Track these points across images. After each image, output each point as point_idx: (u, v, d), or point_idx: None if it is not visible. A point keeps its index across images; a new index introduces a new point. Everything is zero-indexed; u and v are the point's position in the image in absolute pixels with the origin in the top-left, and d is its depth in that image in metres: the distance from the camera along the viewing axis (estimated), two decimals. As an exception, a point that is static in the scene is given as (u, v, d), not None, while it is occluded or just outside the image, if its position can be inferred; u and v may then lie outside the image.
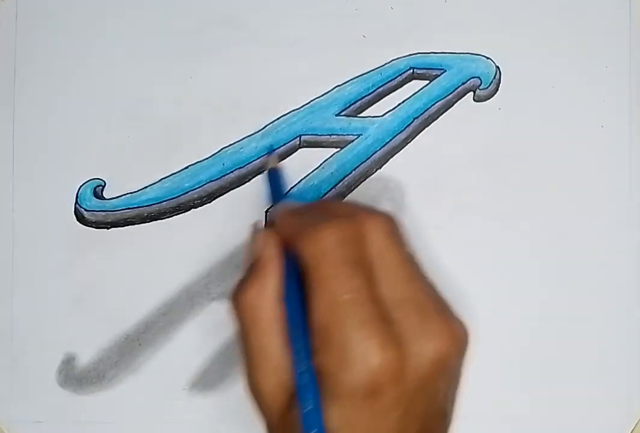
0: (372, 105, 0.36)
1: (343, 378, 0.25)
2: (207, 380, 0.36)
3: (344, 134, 0.36)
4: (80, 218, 0.36)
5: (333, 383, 0.26)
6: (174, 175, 0.36)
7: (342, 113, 0.36)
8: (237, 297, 0.28)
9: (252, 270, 0.29)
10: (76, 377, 0.36)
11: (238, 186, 0.36)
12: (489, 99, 0.36)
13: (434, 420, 0.27)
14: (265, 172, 0.35)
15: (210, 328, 0.36)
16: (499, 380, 0.35)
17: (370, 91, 0.36)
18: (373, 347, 0.25)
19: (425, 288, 0.28)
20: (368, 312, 0.26)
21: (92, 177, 0.36)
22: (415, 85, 0.36)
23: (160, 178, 0.36)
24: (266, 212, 0.36)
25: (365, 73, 0.36)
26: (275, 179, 0.34)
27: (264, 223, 0.33)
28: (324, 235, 0.27)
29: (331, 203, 0.31)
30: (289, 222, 0.29)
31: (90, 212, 0.36)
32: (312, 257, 0.27)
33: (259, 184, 0.36)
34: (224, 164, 0.36)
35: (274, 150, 0.36)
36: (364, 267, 0.27)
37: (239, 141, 0.36)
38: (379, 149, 0.36)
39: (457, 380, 0.28)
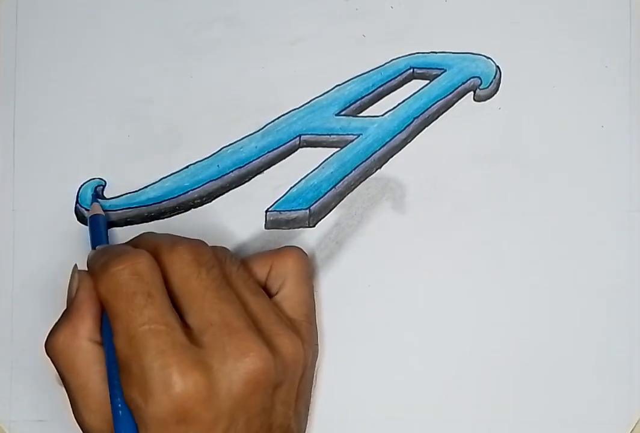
0: (372, 104, 0.36)
1: (149, 409, 0.26)
2: (207, 379, 0.36)
3: (344, 133, 0.36)
4: (81, 218, 0.36)
5: (142, 416, 0.27)
6: (174, 174, 0.36)
7: (342, 113, 0.36)
8: (51, 341, 0.29)
9: (65, 313, 0.30)
10: (76, 376, 0.36)
11: (238, 186, 0.36)
12: (489, 98, 0.36)
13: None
14: (88, 218, 0.35)
15: (210, 327, 0.36)
16: (499, 380, 0.35)
17: (370, 91, 0.36)
18: (173, 375, 0.26)
19: (235, 311, 0.28)
20: (167, 341, 0.27)
21: (92, 177, 0.36)
22: (416, 84, 0.36)
23: (160, 178, 0.36)
24: (266, 211, 0.36)
25: (365, 73, 0.36)
26: (96, 225, 0.34)
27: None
28: (114, 270, 0.28)
29: (139, 239, 0.31)
30: (91, 262, 0.30)
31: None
32: (106, 294, 0.28)
33: (259, 183, 0.36)
34: (223, 164, 0.36)
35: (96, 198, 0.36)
36: (161, 298, 0.28)
37: (238, 141, 0.36)
38: (379, 149, 0.36)
39: (294, 393, 0.29)
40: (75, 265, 0.31)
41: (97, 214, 0.35)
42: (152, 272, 0.28)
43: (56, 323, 0.30)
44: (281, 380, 0.28)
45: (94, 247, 0.33)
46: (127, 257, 0.28)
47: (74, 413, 0.30)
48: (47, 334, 0.30)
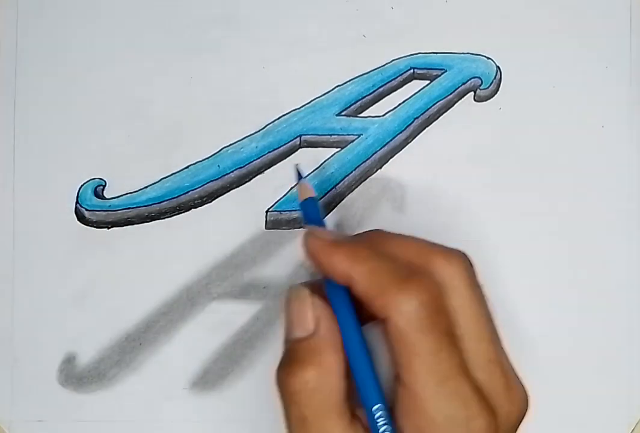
0: (372, 105, 0.36)
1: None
2: (207, 379, 0.36)
3: (345, 133, 0.36)
4: (81, 218, 0.36)
5: None
6: (174, 175, 0.36)
7: (343, 113, 0.36)
8: (294, 380, 0.25)
9: (305, 348, 0.25)
10: (77, 376, 0.36)
11: (238, 186, 0.36)
12: (489, 99, 0.36)
13: None
14: (300, 203, 0.31)
15: (210, 328, 0.36)
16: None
17: (371, 91, 0.36)
18: (477, 428, 0.24)
19: (504, 349, 0.26)
20: (468, 386, 0.24)
21: (92, 177, 0.36)
22: (416, 85, 0.36)
23: (160, 178, 0.36)
24: (267, 211, 0.36)
25: (366, 73, 0.36)
26: (310, 207, 0.31)
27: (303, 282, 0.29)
28: (406, 299, 0.24)
29: (385, 237, 0.27)
30: (346, 265, 0.25)
31: (91, 212, 0.36)
32: (403, 327, 0.24)
33: (259, 183, 0.36)
34: (224, 164, 0.36)
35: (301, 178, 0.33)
36: (448, 330, 0.24)
37: (239, 141, 0.36)
38: (380, 149, 0.36)
39: None
40: (300, 287, 0.26)
41: (309, 198, 0.30)
42: (441, 298, 0.25)
43: (293, 358, 0.25)
44: None
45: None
46: (417, 282, 0.24)
47: None
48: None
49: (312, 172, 0.36)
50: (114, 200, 0.36)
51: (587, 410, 0.35)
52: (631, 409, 0.35)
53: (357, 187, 0.36)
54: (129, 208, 0.36)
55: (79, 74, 0.37)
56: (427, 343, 0.23)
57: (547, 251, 0.36)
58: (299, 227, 0.36)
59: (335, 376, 0.25)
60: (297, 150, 0.36)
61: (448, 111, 0.36)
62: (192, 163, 0.36)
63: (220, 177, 0.36)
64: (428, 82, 0.36)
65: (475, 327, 0.25)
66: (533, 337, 0.35)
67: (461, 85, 0.36)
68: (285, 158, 0.36)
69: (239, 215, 0.36)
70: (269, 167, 0.36)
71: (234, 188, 0.36)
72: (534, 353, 0.35)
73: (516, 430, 0.26)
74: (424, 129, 0.36)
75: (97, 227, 0.36)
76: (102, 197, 0.36)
